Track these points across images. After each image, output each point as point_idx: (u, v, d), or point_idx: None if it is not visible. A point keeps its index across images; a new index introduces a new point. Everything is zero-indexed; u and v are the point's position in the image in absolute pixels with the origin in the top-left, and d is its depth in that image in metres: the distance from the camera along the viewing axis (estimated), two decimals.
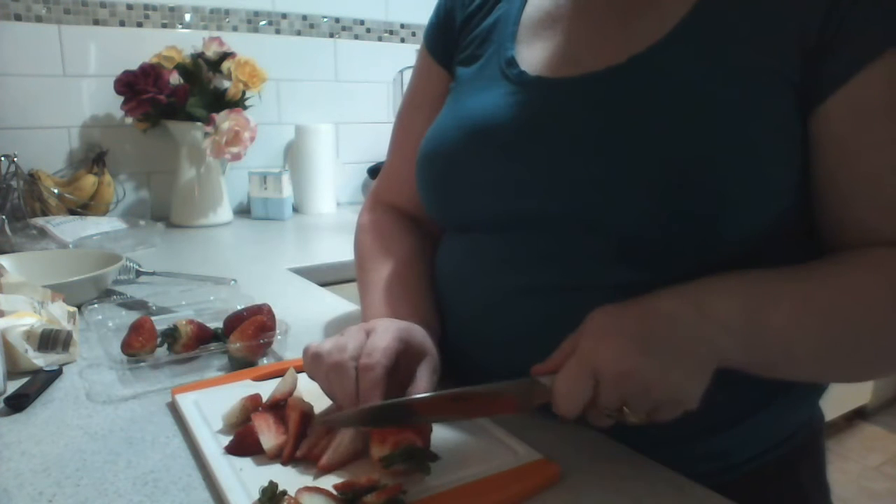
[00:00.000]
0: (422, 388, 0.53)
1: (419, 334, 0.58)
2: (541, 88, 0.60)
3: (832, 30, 0.50)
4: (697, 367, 0.46)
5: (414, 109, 0.78)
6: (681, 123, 0.52)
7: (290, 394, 0.56)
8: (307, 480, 0.48)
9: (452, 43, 0.73)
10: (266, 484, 0.44)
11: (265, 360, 0.73)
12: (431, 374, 0.56)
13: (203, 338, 0.72)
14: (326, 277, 1.22)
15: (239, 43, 1.60)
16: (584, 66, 0.58)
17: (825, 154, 0.52)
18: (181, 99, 1.48)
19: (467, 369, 0.63)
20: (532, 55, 0.63)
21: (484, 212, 0.61)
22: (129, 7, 1.58)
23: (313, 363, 0.53)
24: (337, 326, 0.87)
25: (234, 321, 0.73)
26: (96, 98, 1.56)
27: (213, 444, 0.53)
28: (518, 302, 0.58)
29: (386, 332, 0.54)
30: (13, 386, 0.64)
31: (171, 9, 1.63)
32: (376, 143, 1.95)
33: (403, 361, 0.55)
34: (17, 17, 1.45)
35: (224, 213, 1.63)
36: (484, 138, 0.61)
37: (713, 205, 0.51)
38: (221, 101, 1.54)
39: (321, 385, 0.54)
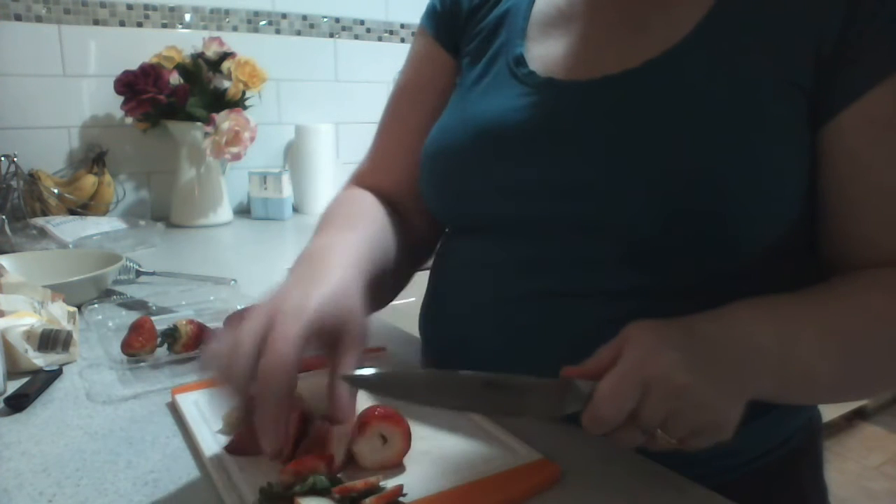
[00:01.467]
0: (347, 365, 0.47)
1: (344, 299, 0.49)
2: (552, 91, 0.58)
3: (849, 42, 0.50)
4: (739, 392, 0.45)
5: (412, 96, 0.75)
6: (694, 131, 0.51)
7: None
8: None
9: (459, 32, 0.71)
10: (266, 484, 0.44)
11: None
12: (357, 345, 0.49)
13: (203, 338, 0.72)
14: None
15: (239, 43, 1.60)
16: (597, 69, 0.57)
17: (836, 167, 0.52)
18: (181, 99, 1.48)
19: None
20: (542, 54, 0.62)
21: (488, 214, 0.61)
22: (129, 7, 1.58)
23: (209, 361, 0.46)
24: None
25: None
26: (96, 98, 1.56)
27: (213, 444, 0.53)
28: (519, 305, 0.58)
29: (293, 323, 0.45)
30: (13, 386, 0.64)
31: (171, 9, 1.63)
32: None
33: (325, 336, 0.48)
34: (17, 17, 1.45)
35: (224, 213, 1.63)
36: (493, 141, 0.60)
37: (722, 213, 0.51)
38: (221, 101, 1.54)
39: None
